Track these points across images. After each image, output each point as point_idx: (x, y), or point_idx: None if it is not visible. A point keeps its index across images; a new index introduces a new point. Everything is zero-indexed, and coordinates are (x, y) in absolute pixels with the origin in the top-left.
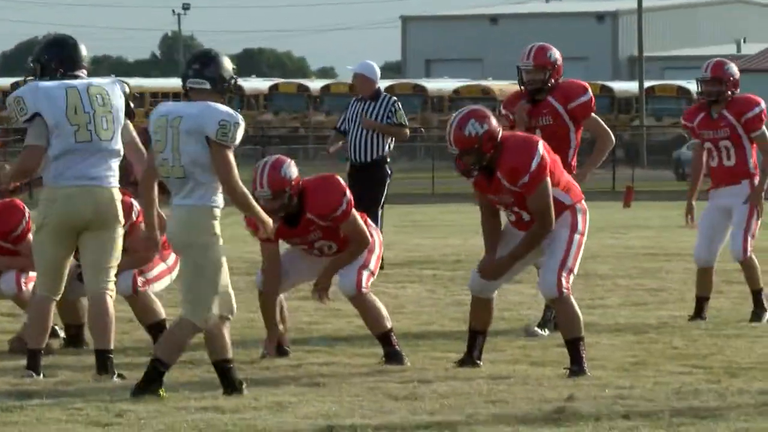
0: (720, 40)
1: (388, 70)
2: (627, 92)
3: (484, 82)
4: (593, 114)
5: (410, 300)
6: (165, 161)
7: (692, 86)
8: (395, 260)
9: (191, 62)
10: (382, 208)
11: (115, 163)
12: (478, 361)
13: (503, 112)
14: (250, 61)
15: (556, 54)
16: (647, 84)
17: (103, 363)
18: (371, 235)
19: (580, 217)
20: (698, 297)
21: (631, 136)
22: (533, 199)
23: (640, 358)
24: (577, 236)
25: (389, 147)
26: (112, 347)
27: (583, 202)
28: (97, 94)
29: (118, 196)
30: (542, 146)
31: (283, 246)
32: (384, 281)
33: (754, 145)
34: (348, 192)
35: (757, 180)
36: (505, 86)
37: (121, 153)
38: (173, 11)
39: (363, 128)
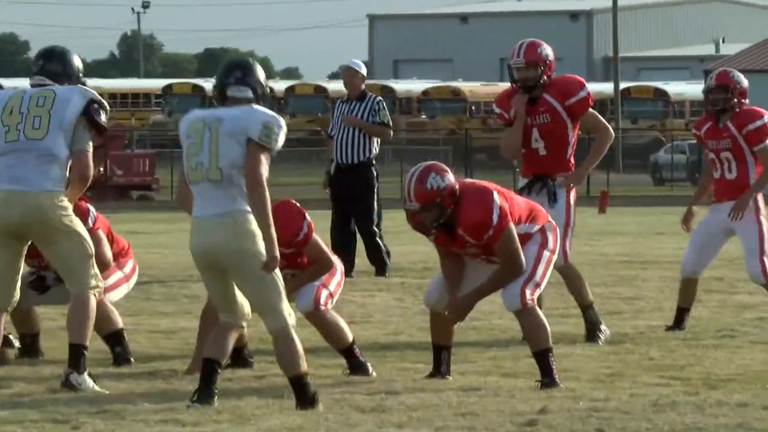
0: (698, 39)
1: None
2: (602, 94)
3: (454, 83)
4: (591, 109)
5: (378, 309)
6: (199, 165)
7: (669, 88)
8: (362, 268)
9: (231, 70)
10: (380, 216)
11: (53, 167)
12: (447, 377)
13: (497, 110)
14: (212, 62)
15: (548, 50)
16: (623, 85)
17: (76, 358)
18: (543, 234)
19: (550, 235)
20: (679, 307)
21: None
22: (500, 247)
23: (616, 369)
24: (546, 252)
25: (376, 149)
26: (86, 344)
27: (550, 220)
28: (40, 96)
29: (54, 201)
30: (497, 194)
31: None
32: (351, 290)
33: None
34: (307, 215)
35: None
36: (475, 87)
37: (62, 156)
38: (132, 9)
39: (350, 128)
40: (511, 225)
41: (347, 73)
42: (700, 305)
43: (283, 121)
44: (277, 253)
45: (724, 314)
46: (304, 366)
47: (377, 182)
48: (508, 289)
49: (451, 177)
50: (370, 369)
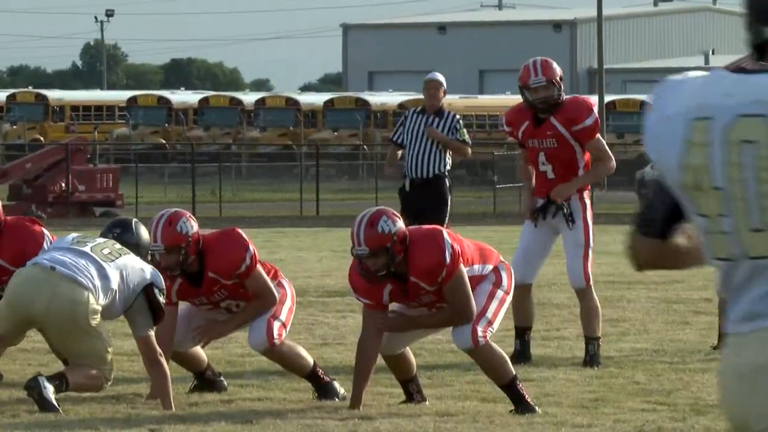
0: (686, 51)
1: (328, 82)
2: None
3: None
4: (597, 136)
5: (351, 330)
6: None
7: None
8: (335, 288)
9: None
10: (448, 227)
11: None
12: (424, 402)
13: (507, 129)
14: (179, 72)
15: (560, 70)
16: (607, 98)
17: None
18: (282, 287)
19: (504, 275)
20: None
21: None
22: (451, 288)
23: (600, 393)
24: (500, 292)
25: (449, 162)
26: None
27: (503, 260)
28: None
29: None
30: (447, 234)
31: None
32: (323, 311)
33: None
34: (251, 246)
35: None
36: (454, 101)
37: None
38: (96, 18)
39: (426, 141)
40: (463, 267)
41: (431, 86)
42: (688, 327)
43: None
44: None
45: (712, 337)
46: None
47: (450, 195)
48: (458, 328)
49: (401, 223)
50: (339, 388)
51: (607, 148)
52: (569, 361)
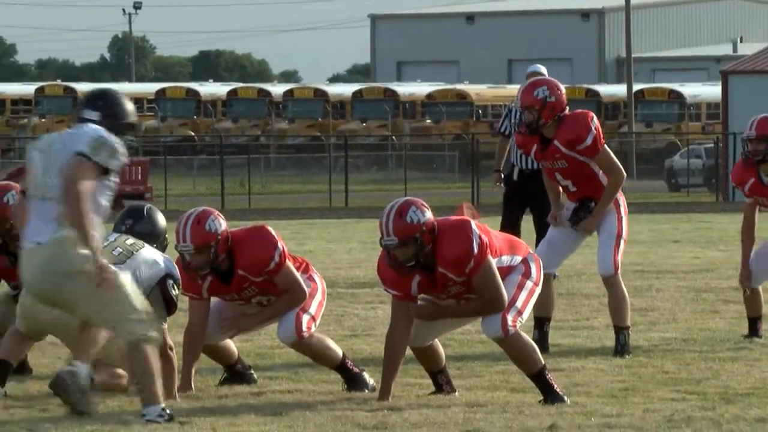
0: (714, 39)
1: (357, 73)
2: (614, 96)
3: (459, 86)
4: (602, 148)
5: (380, 321)
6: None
7: (685, 89)
8: (364, 279)
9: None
10: None
11: None
12: (453, 393)
13: (520, 151)
14: (207, 64)
15: (547, 90)
16: (636, 87)
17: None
18: (313, 281)
19: (533, 266)
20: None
21: (618, 143)
22: (480, 279)
23: (629, 383)
24: (529, 283)
25: None
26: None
27: (531, 252)
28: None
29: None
30: (475, 225)
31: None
32: (353, 302)
33: None
34: (280, 243)
35: None
36: (482, 90)
37: None
38: (124, 11)
39: None
40: (491, 258)
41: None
42: (717, 316)
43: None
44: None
45: (741, 326)
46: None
47: None
48: (488, 317)
49: (429, 213)
50: (368, 379)
51: (613, 158)
52: (598, 351)
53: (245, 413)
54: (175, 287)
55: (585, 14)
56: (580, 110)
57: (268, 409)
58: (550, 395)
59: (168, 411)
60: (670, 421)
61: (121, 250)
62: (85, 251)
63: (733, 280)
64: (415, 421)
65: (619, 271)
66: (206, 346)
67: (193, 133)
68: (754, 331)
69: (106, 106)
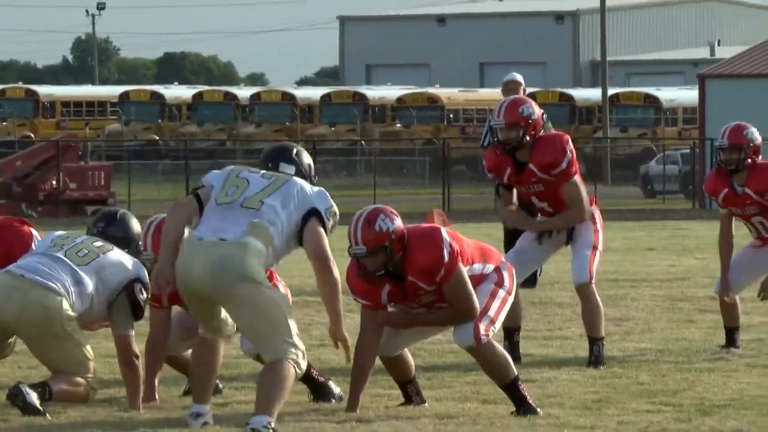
0: (691, 43)
1: (325, 76)
2: (589, 100)
3: (431, 90)
4: (573, 179)
5: (348, 331)
6: None
7: (661, 94)
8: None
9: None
10: None
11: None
12: (423, 404)
13: (489, 176)
14: (172, 67)
15: (531, 108)
16: (611, 91)
17: None
18: (498, 273)
19: (506, 275)
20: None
21: (593, 149)
22: (451, 287)
23: (603, 394)
24: (502, 291)
25: None
26: None
27: (504, 260)
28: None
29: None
30: (445, 232)
31: None
32: (320, 311)
33: None
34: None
35: None
36: (453, 94)
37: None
38: (87, 12)
39: None
40: (461, 266)
41: (511, 86)
42: (693, 326)
43: None
44: None
45: (718, 335)
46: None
47: None
48: (460, 326)
49: (399, 221)
50: (335, 389)
51: (580, 195)
52: (572, 361)
53: (209, 424)
54: (143, 292)
55: (559, 17)
56: (555, 132)
57: (233, 420)
58: (522, 407)
59: (273, 427)
60: None
61: (86, 251)
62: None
63: (709, 289)
64: None
65: (593, 281)
66: (170, 357)
67: (157, 137)
68: (731, 341)
69: (299, 161)
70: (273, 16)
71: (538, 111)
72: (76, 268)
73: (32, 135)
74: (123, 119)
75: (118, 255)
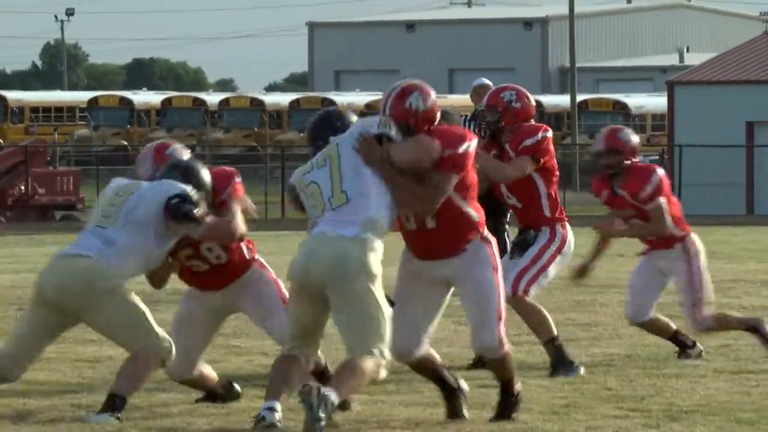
0: (660, 49)
1: (294, 82)
2: (558, 107)
3: None
4: (530, 156)
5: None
6: None
7: (630, 100)
8: None
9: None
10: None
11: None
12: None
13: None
14: (141, 72)
15: (514, 95)
16: (580, 98)
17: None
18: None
19: (495, 250)
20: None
21: (562, 155)
22: (438, 176)
23: (571, 399)
24: (499, 277)
25: None
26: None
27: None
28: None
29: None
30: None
31: None
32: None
33: (674, 204)
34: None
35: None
36: None
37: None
38: (56, 17)
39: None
40: (456, 175)
41: (481, 91)
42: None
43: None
44: None
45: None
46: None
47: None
48: (484, 334)
49: (433, 100)
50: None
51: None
52: (540, 366)
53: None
54: (187, 200)
55: (528, 23)
56: (538, 123)
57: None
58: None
59: (334, 401)
60: None
61: (109, 202)
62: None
63: (676, 296)
64: None
65: (520, 294)
66: (185, 380)
67: (126, 143)
68: (681, 344)
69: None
70: (242, 22)
71: (528, 100)
72: (102, 232)
73: (0, 140)
74: (92, 125)
75: (144, 190)
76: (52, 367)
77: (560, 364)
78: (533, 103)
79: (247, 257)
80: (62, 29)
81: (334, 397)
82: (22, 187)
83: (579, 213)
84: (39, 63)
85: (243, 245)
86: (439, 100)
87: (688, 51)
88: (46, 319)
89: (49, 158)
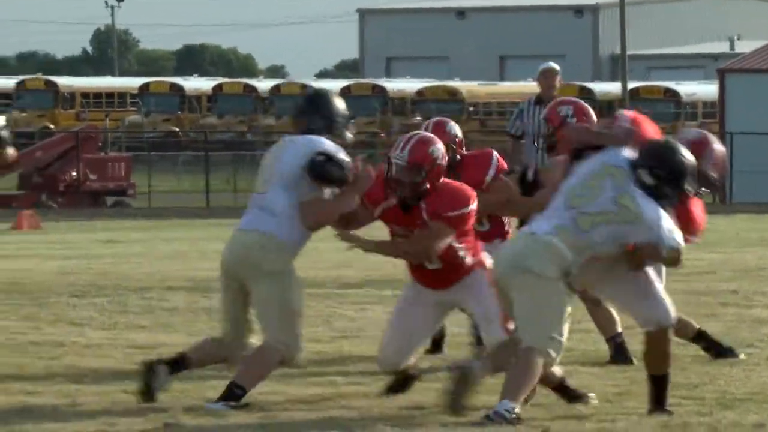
0: (711, 37)
1: (345, 68)
2: (608, 94)
3: (450, 83)
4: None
5: (370, 323)
6: None
7: (681, 88)
8: (353, 280)
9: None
10: None
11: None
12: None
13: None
14: (192, 59)
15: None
16: (631, 85)
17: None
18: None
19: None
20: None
21: None
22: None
23: (624, 387)
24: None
25: None
26: None
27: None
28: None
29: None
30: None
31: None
32: (342, 303)
33: None
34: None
35: None
36: (473, 87)
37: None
38: (106, 3)
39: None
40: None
41: (548, 75)
42: (714, 320)
43: None
44: None
45: (740, 329)
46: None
47: None
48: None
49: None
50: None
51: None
52: (592, 354)
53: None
54: (328, 158)
55: (578, 10)
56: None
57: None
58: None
59: (517, 413)
60: (665, 427)
61: (268, 174)
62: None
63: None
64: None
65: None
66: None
67: (177, 129)
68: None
69: None
70: (293, 8)
71: (586, 117)
72: (258, 199)
73: (52, 126)
74: (143, 111)
75: (296, 148)
76: (104, 354)
77: (618, 357)
78: (594, 117)
79: (471, 260)
80: (113, 15)
81: (512, 406)
82: (74, 173)
83: None
84: (90, 49)
85: (464, 247)
86: (489, 87)
87: (739, 38)
88: (237, 291)
89: (100, 144)
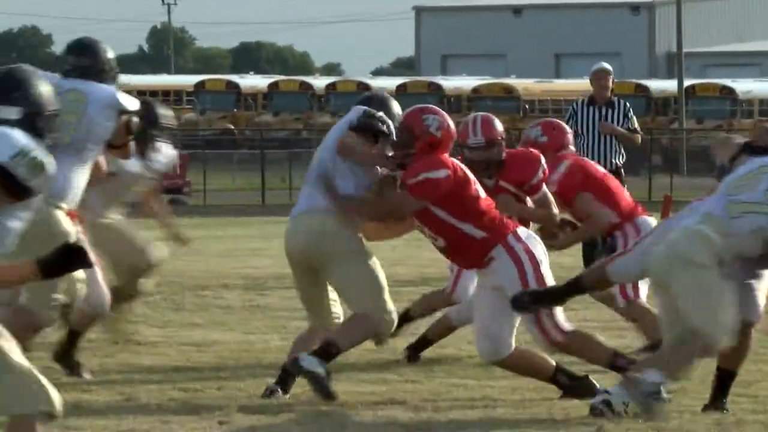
0: (767, 34)
1: (401, 66)
2: (665, 92)
3: (506, 80)
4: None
5: (425, 320)
6: None
7: (737, 85)
8: (408, 277)
9: None
10: None
11: None
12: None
13: None
14: (248, 56)
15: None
16: (687, 83)
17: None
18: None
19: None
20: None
21: (669, 140)
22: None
23: (678, 384)
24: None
25: (624, 154)
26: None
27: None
28: None
29: None
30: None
31: None
32: (396, 300)
33: None
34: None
35: None
36: (530, 84)
37: None
38: (163, 1)
39: (599, 133)
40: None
41: (600, 75)
42: None
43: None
44: None
45: None
46: None
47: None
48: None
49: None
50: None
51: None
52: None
53: (285, 412)
54: (377, 118)
55: (635, 8)
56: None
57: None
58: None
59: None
60: (719, 424)
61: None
62: None
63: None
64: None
65: (631, 299)
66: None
67: (232, 127)
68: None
69: None
70: (349, 6)
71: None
72: (308, 183)
73: None
74: (199, 108)
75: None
76: (159, 351)
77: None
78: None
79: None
80: (169, 13)
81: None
82: None
83: (687, 198)
84: (146, 47)
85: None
86: (546, 84)
87: None
88: (307, 277)
89: None
